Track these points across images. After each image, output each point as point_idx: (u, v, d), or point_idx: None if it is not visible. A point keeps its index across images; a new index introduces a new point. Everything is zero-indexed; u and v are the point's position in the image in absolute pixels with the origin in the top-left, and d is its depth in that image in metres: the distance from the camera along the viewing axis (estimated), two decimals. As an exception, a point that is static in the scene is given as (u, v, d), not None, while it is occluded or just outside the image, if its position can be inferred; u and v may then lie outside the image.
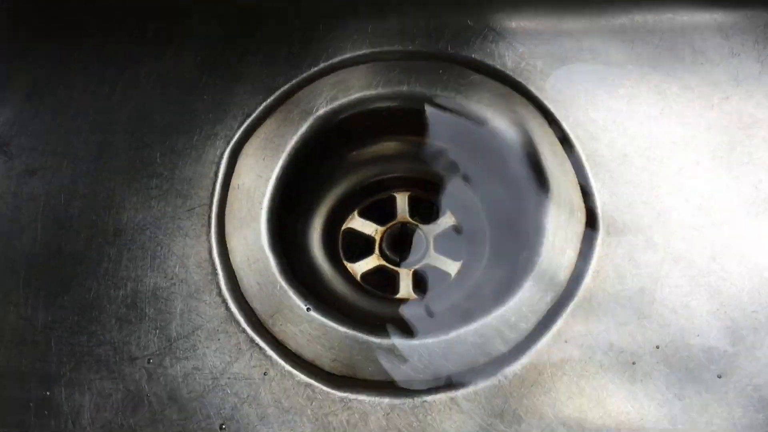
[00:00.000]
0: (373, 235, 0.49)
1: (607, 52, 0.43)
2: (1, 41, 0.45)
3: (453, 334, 0.37)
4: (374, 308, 0.44)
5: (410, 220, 0.50)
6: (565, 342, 0.37)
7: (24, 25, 0.45)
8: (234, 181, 0.41)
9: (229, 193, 0.41)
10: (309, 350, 0.38)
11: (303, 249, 0.47)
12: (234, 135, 0.42)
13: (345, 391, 0.37)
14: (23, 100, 0.43)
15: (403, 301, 0.46)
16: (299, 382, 0.37)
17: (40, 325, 0.38)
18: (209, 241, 0.40)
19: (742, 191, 0.40)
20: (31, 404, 0.37)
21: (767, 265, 0.39)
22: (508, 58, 0.43)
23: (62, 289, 0.39)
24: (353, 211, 0.50)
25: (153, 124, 0.42)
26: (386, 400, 0.36)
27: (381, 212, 0.50)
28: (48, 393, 0.37)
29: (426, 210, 0.50)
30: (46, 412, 0.37)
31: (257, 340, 0.38)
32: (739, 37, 0.43)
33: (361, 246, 0.49)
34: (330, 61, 0.43)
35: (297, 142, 0.42)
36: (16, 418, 0.37)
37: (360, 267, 0.48)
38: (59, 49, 0.44)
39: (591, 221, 0.40)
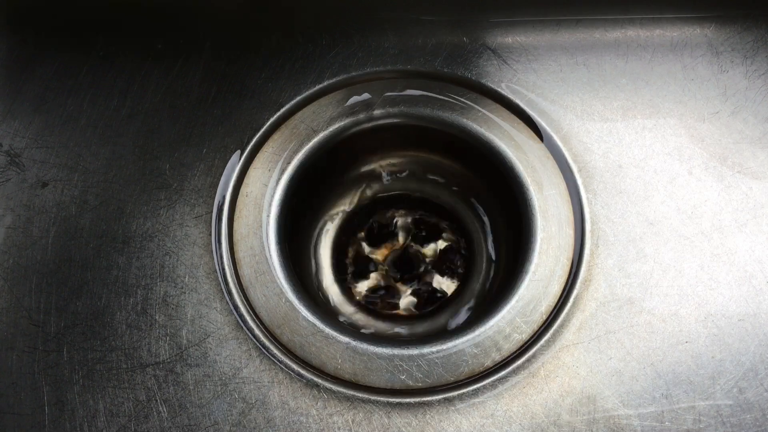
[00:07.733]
0: (374, 251, 0.50)
1: (601, 66, 0.44)
2: (10, 54, 0.45)
3: (450, 344, 0.38)
4: (376, 320, 0.45)
5: (411, 233, 0.50)
6: (558, 350, 0.38)
7: (32, 38, 0.45)
8: (242, 191, 0.42)
9: (237, 203, 0.41)
10: (315, 358, 0.39)
11: (308, 261, 0.48)
12: (245, 149, 0.42)
13: (350, 390, 0.38)
14: (33, 114, 0.43)
15: (403, 314, 0.47)
16: (307, 383, 0.38)
17: (52, 331, 0.39)
18: (218, 251, 0.40)
19: (732, 201, 0.41)
20: (46, 411, 0.38)
21: (754, 273, 0.40)
22: (504, 73, 0.44)
23: (74, 296, 0.40)
24: (357, 225, 0.50)
25: (162, 136, 0.43)
26: (387, 401, 0.38)
27: (383, 228, 0.51)
28: (62, 400, 0.38)
29: (426, 225, 0.51)
30: (60, 420, 0.38)
31: (268, 346, 0.39)
32: (728, 54, 0.43)
33: (363, 259, 0.50)
34: (335, 79, 0.44)
35: (303, 157, 0.43)
36: (30, 425, 0.38)
37: (362, 281, 0.49)
38: (68, 62, 0.44)
39: (582, 232, 0.40)
